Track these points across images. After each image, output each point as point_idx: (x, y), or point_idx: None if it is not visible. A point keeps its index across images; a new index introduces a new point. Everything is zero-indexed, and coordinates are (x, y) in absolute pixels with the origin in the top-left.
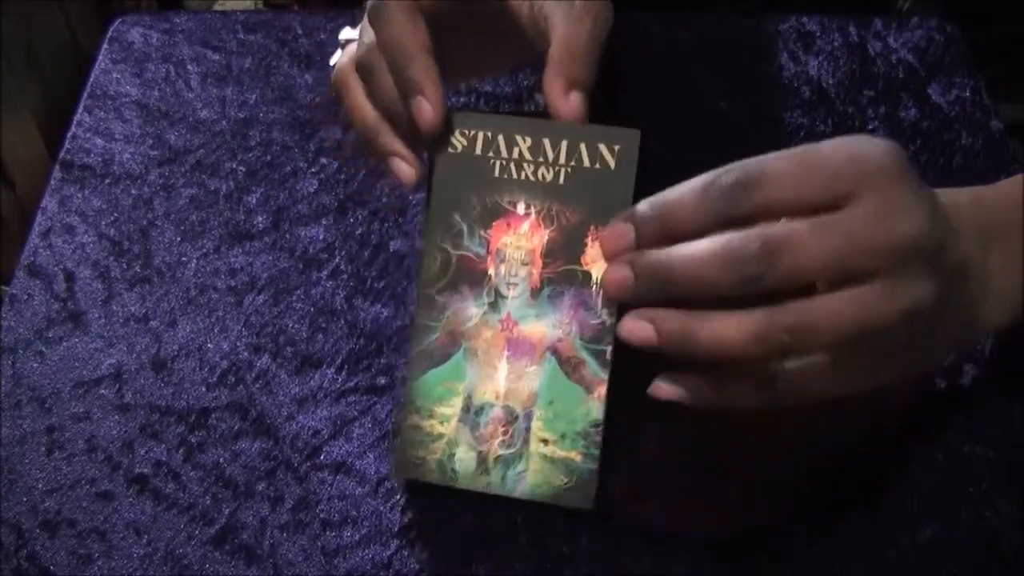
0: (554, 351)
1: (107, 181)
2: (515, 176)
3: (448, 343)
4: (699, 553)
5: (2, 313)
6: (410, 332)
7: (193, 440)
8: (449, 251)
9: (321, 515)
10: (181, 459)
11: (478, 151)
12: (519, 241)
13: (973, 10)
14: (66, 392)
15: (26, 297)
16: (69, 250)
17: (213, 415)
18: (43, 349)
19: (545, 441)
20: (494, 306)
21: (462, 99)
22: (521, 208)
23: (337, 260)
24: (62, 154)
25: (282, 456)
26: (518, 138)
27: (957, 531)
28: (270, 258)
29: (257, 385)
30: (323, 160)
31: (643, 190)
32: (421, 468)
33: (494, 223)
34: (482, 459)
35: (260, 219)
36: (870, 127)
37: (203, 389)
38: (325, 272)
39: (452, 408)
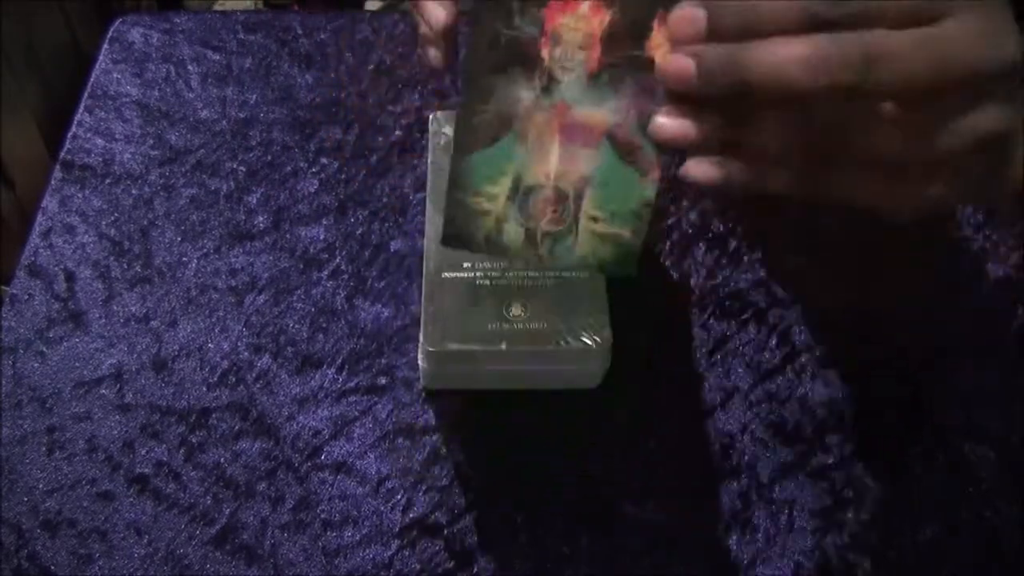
0: (611, 136)
1: (107, 181)
2: None
3: (497, 126)
4: (699, 553)
5: (2, 313)
6: (457, 113)
7: (194, 440)
8: (499, 30)
9: (322, 515)
10: (182, 459)
11: None
12: (577, 23)
13: None
14: (67, 392)
15: (26, 297)
16: (69, 250)
17: (214, 415)
18: (43, 349)
19: (595, 219)
20: (547, 91)
21: None
22: None
23: (337, 260)
24: (62, 154)
25: (283, 456)
26: None
27: (957, 531)
28: (270, 258)
29: (258, 385)
30: (323, 160)
31: None
32: (469, 242)
33: (550, 1)
34: (531, 234)
35: (260, 219)
36: None
37: (204, 389)
38: (325, 272)
39: (500, 187)
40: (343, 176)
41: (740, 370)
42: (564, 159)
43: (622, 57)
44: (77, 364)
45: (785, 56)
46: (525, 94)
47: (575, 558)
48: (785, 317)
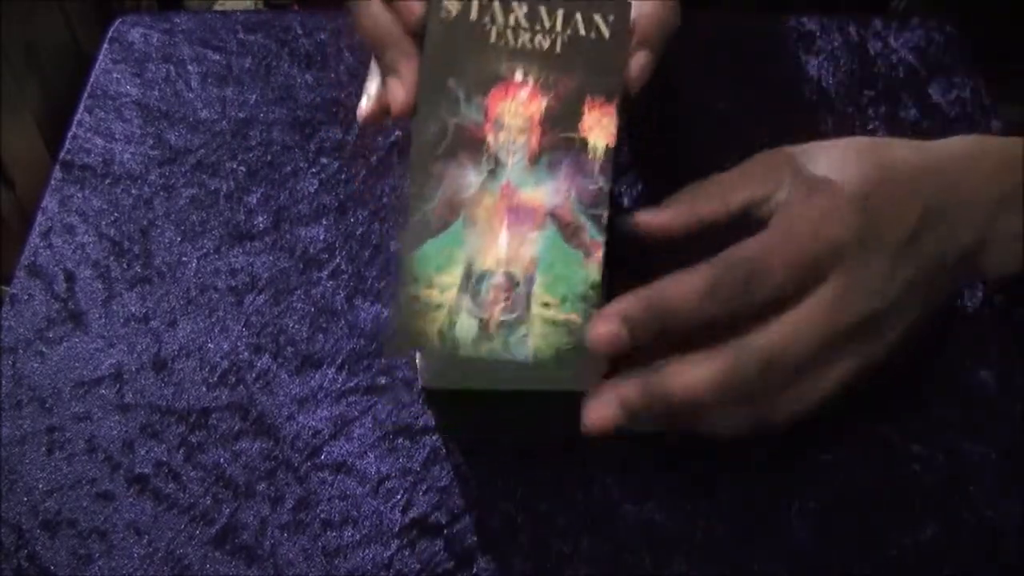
0: (553, 217)
1: (107, 181)
2: (512, 43)
3: (446, 213)
4: (699, 553)
5: (2, 313)
6: (407, 204)
7: (193, 440)
8: (445, 119)
9: (321, 515)
10: (181, 459)
11: (473, 16)
12: (517, 108)
13: (973, 10)
14: (66, 392)
15: (26, 297)
16: (69, 250)
17: (213, 415)
18: (43, 349)
19: (547, 305)
20: (493, 174)
21: None
22: (519, 76)
23: (337, 260)
24: (62, 154)
25: (282, 456)
26: (514, 4)
27: (957, 531)
28: (270, 258)
29: (257, 385)
30: (323, 160)
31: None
32: (422, 339)
33: (492, 90)
34: (484, 326)
35: (260, 219)
36: (870, 127)
37: (203, 389)
38: (325, 272)
39: (452, 277)
40: (343, 176)
41: None
42: (512, 243)
43: (558, 139)
44: (77, 364)
45: (695, 384)
46: (473, 179)
47: (575, 558)
48: None
